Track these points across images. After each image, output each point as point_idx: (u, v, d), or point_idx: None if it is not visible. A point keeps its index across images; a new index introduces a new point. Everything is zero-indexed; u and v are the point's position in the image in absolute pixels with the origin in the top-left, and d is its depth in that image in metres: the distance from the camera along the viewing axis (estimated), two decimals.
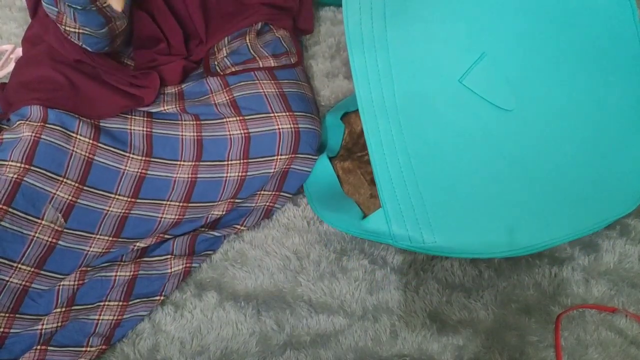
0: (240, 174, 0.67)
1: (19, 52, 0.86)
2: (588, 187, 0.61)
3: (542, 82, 0.61)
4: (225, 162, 0.68)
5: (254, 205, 0.68)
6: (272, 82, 0.69)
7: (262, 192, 0.68)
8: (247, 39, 0.74)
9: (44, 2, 0.61)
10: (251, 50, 0.73)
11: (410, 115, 0.57)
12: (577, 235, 0.61)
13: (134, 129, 0.68)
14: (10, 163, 0.59)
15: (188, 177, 0.68)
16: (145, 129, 0.68)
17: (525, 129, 0.60)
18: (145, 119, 0.69)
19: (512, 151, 0.59)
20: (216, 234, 0.66)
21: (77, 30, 0.63)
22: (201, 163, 0.69)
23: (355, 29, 0.56)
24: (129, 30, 0.70)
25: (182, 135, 0.69)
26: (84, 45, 0.66)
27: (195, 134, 0.69)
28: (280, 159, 0.66)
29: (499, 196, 0.59)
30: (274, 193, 0.69)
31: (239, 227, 0.67)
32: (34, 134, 0.60)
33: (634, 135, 0.63)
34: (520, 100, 0.59)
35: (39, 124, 0.61)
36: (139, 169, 0.67)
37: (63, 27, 0.63)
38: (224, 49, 0.75)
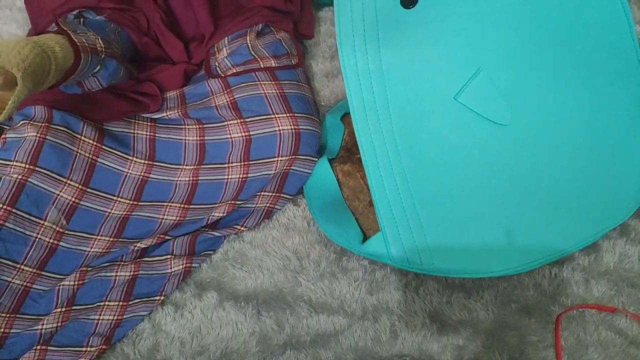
0: (241, 176, 0.67)
1: None
2: (585, 199, 0.61)
3: (537, 96, 0.61)
4: (226, 165, 0.68)
5: (254, 206, 0.68)
6: (273, 82, 0.69)
7: (262, 194, 0.68)
8: (248, 39, 0.74)
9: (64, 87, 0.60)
10: (252, 51, 0.73)
11: (406, 135, 0.57)
12: (576, 247, 0.61)
13: (137, 133, 0.68)
14: (14, 163, 0.59)
15: (189, 180, 0.68)
16: (148, 133, 0.68)
17: (521, 144, 0.60)
18: (149, 123, 0.69)
19: (509, 167, 0.59)
20: (216, 234, 0.66)
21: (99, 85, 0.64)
22: (202, 166, 0.69)
23: (348, 52, 0.56)
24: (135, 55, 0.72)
25: (185, 139, 0.69)
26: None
27: (198, 138, 0.69)
28: (280, 160, 0.66)
29: (497, 215, 0.59)
30: (274, 194, 0.69)
31: (239, 227, 0.67)
32: (39, 135, 0.60)
33: (629, 145, 0.64)
34: (516, 115, 0.59)
35: (43, 125, 0.61)
36: (141, 172, 0.67)
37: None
38: (224, 49, 0.75)
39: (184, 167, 0.69)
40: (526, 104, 0.60)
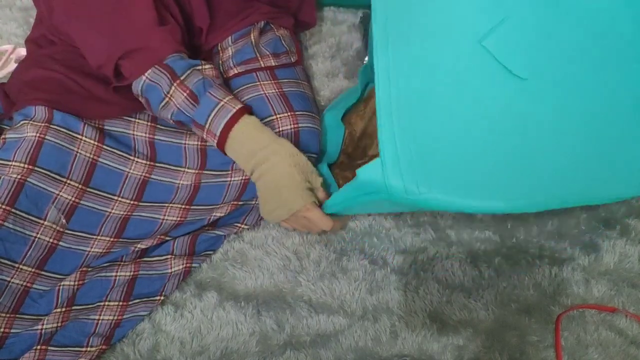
0: (243, 178, 0.67)
1: (19, 52, 0.86)
2: (599, 164, 0.59)
3: (561, 52, 0.58)
4: (229, 169, 0.68)
5: (255, 203, 0.68)
6: (273, 82, 0.69)
7: None
8: (252, 37, 0.74)
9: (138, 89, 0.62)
10: (255, 50, 0.73)
11: (422, 71, 0.55)
12: (581, 202, 0.59)
13: (137, 135, 0.68)
14: (13, 163, 0.59)
15: (191, 183, 0.68)
16: (148, 135, 0.68)
17: (538, 99, 0.58)
18: (149, 123, 0.69)
19: (523, 117, 0.57)
20: (217, 232, 0.66)
21: None
22: (205, 172, 0.68)
23: None
24: None
25: (185, 143, 0.69)
26: None
27: (199, 142, 0.69)
28: None
29: (504, 156, 0.56)
30: None
31: (239, 225, 0.67)
32: (38, 135, 0.60)
33: None
34: (537, 70, 0.58)
35: (43, 125, 0.61)
36: (143, 172, 0.67)
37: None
38: (229, 48, 0.74)
39: (186, 170, 0.69)
40: (548, 61, 0.58)
